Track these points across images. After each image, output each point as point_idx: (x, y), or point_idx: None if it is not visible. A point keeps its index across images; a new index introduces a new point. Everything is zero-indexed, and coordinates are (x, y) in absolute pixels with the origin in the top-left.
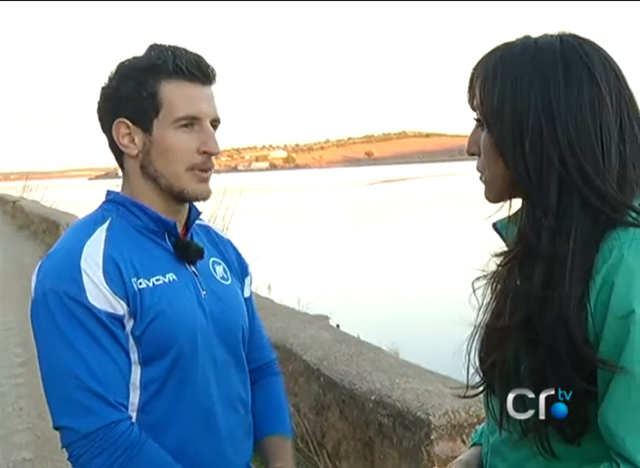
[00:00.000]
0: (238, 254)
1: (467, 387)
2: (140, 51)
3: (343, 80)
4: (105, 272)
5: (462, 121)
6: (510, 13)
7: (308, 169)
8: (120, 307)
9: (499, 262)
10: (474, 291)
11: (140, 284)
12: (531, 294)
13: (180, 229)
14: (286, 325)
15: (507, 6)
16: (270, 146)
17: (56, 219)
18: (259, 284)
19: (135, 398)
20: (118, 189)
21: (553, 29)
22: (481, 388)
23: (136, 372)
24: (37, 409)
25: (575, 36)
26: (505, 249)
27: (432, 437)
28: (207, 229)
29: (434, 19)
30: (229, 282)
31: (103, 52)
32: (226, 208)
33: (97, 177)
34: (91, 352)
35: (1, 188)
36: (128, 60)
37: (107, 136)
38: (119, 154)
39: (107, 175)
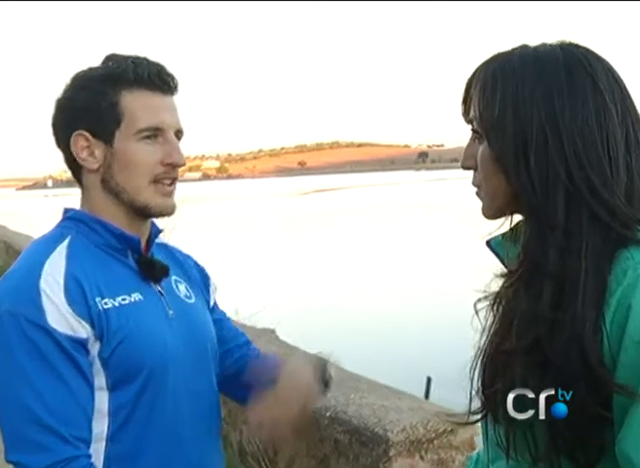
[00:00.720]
0: (199, 268)
1: (469, 413)
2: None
3: (275, 90)
4: (67, 292)
5: (394, 131)
6: (466, 17)
7: (242, 179)
8: (83, 330)
9: (502, 283)
10: (477, 312)
11: (106, 304)
12: (539, 316)
13: (142, 246)
14: None
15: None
16: (203, 156)
17: None
18: None
19: (103, 426)
20: (76, 205)
21: (546, 37)
22: (481, 415)
23: (103, 399)
24: None
25: (576, 45)
26: (507, 269)
27: (390, 453)
28: (165, 246)
29: (366, 26)
30: (193, 300)
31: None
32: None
33: (24, 188)
34: (47, 383)
35: None
36: (83, 71)
37: (63, 150)
38: (77, 168)
39: (36, 186)
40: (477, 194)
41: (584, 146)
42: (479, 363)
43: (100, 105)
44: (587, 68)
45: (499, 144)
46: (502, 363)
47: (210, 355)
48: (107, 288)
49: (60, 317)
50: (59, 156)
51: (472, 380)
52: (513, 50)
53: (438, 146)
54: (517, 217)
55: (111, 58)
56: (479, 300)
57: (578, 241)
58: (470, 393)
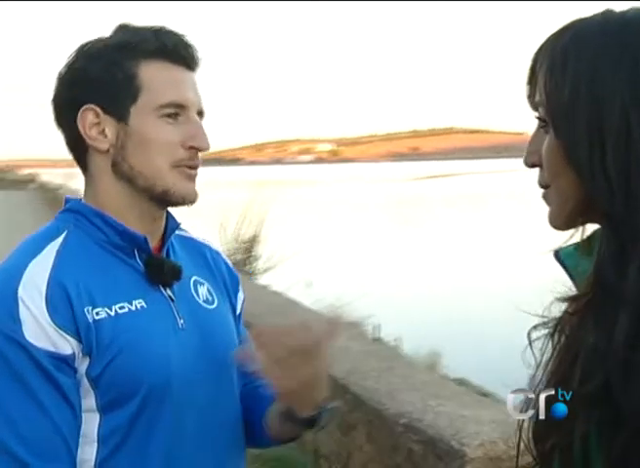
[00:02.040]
0: (229, 269)
1: None
2: None
3: (391, 75)
4: (48, 301)
5: (509, 118)
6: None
7: (354, 162)
8: (67, 345)
9: (566, 308)
10: (530, 343)
11: (98, 314)
12: (611, 354)
13: (154, 243)
14: None
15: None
16: (316, 139)
17: None
18: (295, 281)
19: (91, 453)
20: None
21: None
22: None
23: (92, 422)
24: None
25: None
26: (574, 290)
27: None
28: (188, 241)
29: (481, 14)
30: (215, 305)
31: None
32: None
33: None
34: (19, 407)
35: (49, 175)
36: (93, 40)
37: (66, 129)
38: (81, 151)
39: None
40: (544, 197)
41: None
42: (531, 408)
43: (114, 77)
44: None
45: (568, 134)
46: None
47: (230, 366)
48: (102, 294)
49: (40, 330)
50: None
51: (521, 429)
52: (592, 16)
53: None
54: (593, 227)
55: (125, 28)
56: (535, 328)
57: None
58: (518, 444)
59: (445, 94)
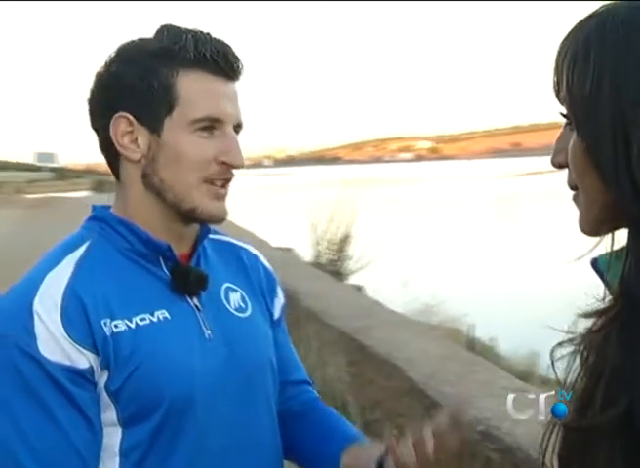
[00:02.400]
0: (267, 272)
1: None
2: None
3: (491, 69)
4: (64, 314)
5: None
6: None
7: (453, 160)
8: (83, 359)
9: (591, 325)
10: (553, 363)
11: (117, 326)
12: (637, 376)
13: (184, 251)
14: (393, 336)
15: None
16: (416, 137)
17: None
18: (390, 280)
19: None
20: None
21: None
22: None
23: (115, 436)
24: None
25: None
26: (600, 305)
27: None
28: (225, 245)
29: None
30: (248, 313)
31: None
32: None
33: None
34: (33, 421)
35: None
36: (132, 42)
37: (100, 134)
38: (114, 158)
39: (255, 165)
40: (574, 200)
41: None
42: (552, 435)
43: (150, 85)
44: None
45: (591, 131)
46: (583, 439)
47: (264, 378)
48: (123, 305)
49: (55, 344)
50: (276, 136)
51: (544, 457)
52: (619, 4)
53: None
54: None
55: (167, 29)
56: (559, 345)
57: None
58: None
59: (547, 88)
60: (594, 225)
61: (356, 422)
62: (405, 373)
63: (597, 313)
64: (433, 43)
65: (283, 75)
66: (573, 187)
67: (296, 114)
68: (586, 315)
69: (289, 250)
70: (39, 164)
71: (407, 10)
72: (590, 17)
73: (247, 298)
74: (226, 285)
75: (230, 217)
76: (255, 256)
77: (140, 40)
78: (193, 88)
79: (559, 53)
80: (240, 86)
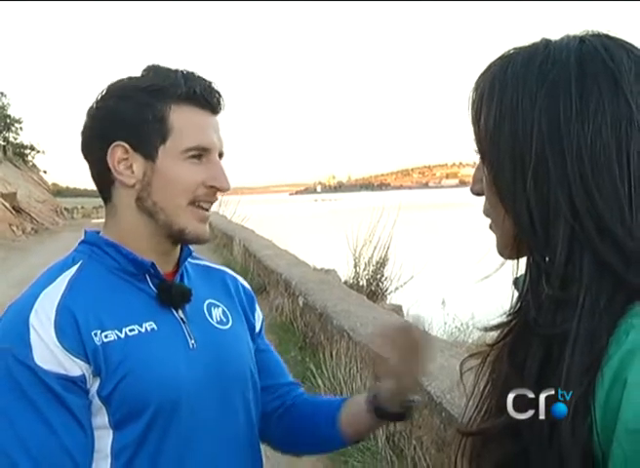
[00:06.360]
0: (246, 290)
1: None
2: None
3: None
4: (57, 327)
5: None
6: None
7: None
8: (76, 367)
9: (493, 340)
10: (461, 375)
11: (107, 336)
12: (522, 387)
13: (169, 270)
14: None
15: None
16: (460, 164)
17: (232, 234)
18: (428, 300)
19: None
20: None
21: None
22: None
23: (106, 438)
24: None
25: (603, 36)
26: (499, 320)
27: None
28: (207, 269)
29: None
30: (229, 325)
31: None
32: (384, 226)
33: (297, 192)
34: (29, 426)
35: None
36: (123, 80)
37: (94, 161)
38: (106, 184)
39: (307, 191)
40: (490, 227)
41: (594, 167)
42: (462, 439)
43: (145, 117)
44: (607, 62)
45: (494, 165)
46: (480, 445)
47: (244, 384)
48: (113, 318)
49: (49, 354)
50: (327, 164)
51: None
52: (522, 47)
53: None
54: None
55: (155, 69)
56: (467, 359)
57: (574, 293)
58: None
59: None
60: (508, 250)
61: (381, 433)
62: (425, 387)
63: (497, 326)
64: (475, 73)
65: (335, 107)
66: (487, 215)
67: (346, 143)
68: (486, 329)
69: (329, 271)
70: None
71: (455, 36)
72: (499, 59)
73: (228, 313)
74: (209, 301)
75: (275, 239)
76: (234, 278)
77: (130, 78)
78: (184, 120)
79: (472, 90)
80: (299, 120)
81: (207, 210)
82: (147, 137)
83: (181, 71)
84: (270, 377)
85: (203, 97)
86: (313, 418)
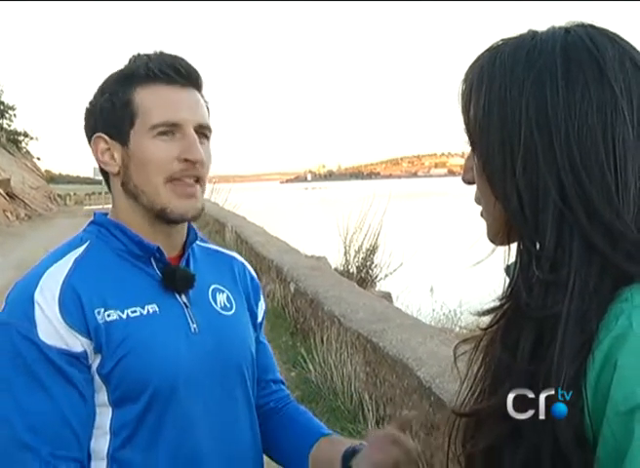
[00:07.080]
0: (252, 278)
1: None
2: None
3: None
4: (61, 304)
5: None
6: None
7: None
8: (78, 343)
9: (485, 324)
10: (455, 360)
11: (109, 316)
12: (514, 369)
13: (174, 254)
14: (407, 338)
15: None
16: (449, 153)
17: (224, 221)
18: (417, 287)
19: (103, 444)
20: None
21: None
22: None
23: (106, 415)
24: None
25: (587, 26)
26: (492, 305)
27: None
28: (216, 254)
29: None
30: (232, 311)
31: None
32: (374, 214)
33: (287, 181)
34: (31, 398)
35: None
36: (108, 75)
37: (94, 156)
38: (106, 174)
39: (297, 179)
40: (480, 214)
41: (581, 152)
42: (455, 421)
43: (114, 106)
44: (592, 51)
45: (484, 153)
46: (474, 425)
47: (242, 372)
48: (116, 298)
49: (52, 330)
50: (317, 153)
51: (450, 439)
52: (509, 38)
53: None
54: None
55: (133, 57)
56: (461, 343)
57: (564, 276)
58: (447, 455)
59: None
60: (498, 237)
61: (371, 417)
62: (414, 373)
63: (489, 310)
64: (466, 63)
65: (325, 97)
66: (478, 203)
67: (337, 133)
68: (479, 314)
69: (320, 258)
70: (97, 178)
71: (445, 28)
72: (486, 50)
73: (232, 299)
74: (214, 286)
75: (266, 226)
76: (242, 264)
77: (113, 72)
78: (149, 99)
79: (462, 81)
80: (291, 109)
81: (191, 185)
82: (119, 124)
83: (148, 54)
84: (261, 372)
85: (166, 73)
86: (288, 442)
